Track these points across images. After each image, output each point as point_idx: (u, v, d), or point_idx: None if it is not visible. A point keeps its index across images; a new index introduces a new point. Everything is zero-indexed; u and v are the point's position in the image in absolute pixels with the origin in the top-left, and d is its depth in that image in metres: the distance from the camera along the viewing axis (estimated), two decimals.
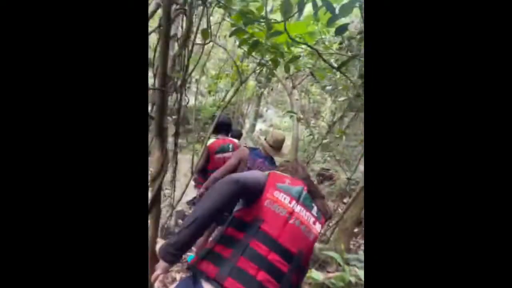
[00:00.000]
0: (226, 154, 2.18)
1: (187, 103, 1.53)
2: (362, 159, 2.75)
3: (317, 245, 2.30)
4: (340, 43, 2.89)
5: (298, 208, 0.96)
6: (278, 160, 1.85)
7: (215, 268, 0.83)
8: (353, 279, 1.25)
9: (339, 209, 2.83)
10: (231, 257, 0.85)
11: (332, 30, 1.89)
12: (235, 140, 2.38)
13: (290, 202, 0.96)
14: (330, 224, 2.34)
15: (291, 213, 0.94)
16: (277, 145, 1.87)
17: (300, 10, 1.77)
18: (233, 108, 10.54)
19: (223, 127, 2.30)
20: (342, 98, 2.59)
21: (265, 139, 1.96)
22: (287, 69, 1.85)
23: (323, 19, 2.01)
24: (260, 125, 11.05)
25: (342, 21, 1.76)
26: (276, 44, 1.74)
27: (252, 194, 0.94)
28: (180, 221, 2.86)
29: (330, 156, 3.75)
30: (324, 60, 1.72)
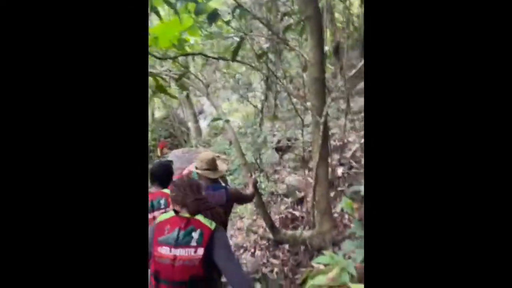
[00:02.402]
0: (156, 213, 1.71)
1: None
2: (308, 117, 2.68)
3: (305, 233, 2.25)
4: (228, 23, 2.64)
5: (178, 252, 1.19)
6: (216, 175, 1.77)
7: None
8: (352, 270, 1.15)
9: (309, 179, 2.80)
10: None
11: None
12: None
13: (170, 251, 1.19)
14: (309, 210, 2.28)
15: (174, 259, 1.19)
16: (211, 165, 1.74)
17: (157, 13, 1.46)
18: (168, 122, 9.88)
19: (159, 177, 1.82)
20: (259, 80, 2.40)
21: (196, 168, 1.78)
22: (183, 88, 1.58)
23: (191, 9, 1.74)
24: (204, 123, 10.64)
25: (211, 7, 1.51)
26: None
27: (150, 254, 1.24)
28: None
29: (280, 129, 3.68)
30: (213, 57, 1.49)
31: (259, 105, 4.76)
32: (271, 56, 2.27)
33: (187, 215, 1.24)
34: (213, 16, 1.31)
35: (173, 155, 6.95)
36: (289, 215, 2.76)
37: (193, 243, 1.19)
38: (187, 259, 1.17)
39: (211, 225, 1.23)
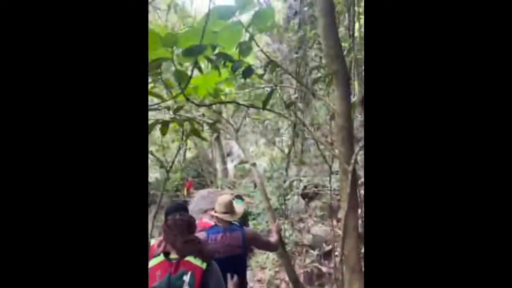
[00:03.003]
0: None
1: None
2: (335, 164, 2.64)
3: None
4: (261, 76, 2.89)
5: None
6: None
7: None
8: None
9: (338, 231, 2.61)
10: None
11: None
12: None
13: None
14: (337, 265, 2.09)
15: None
16: (229, 209, 1.81)
17: (199, 68, 1.67)
18: (197, 162, 10.26)
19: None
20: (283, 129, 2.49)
21: (215, 212, 1.85)
22: (216, 130, 1.69)
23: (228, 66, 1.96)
24: (231, 164, 10.87)
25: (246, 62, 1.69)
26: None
27: None
28: None
29: (306, 175, 3.62)
30: (245, 105, 1.61)
31: (286, 150, 4.83)
32: (299, 105, 2.39)
33: (176, 257, 1.23)
34: (248, 71, 1.46)
35: (199, 195, 7.05)
36: (315, 270, 2.52)
37: (186, 286, 1.17)
38: None
39: (202, 264, 1.22)
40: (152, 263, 1.27)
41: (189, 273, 1.19)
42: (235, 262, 1.73)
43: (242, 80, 2.58)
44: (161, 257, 1.27)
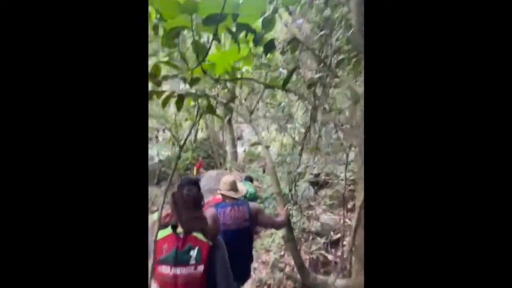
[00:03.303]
0: None
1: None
2: (352, 154, 2.55)
3: (339, 281, 2.00)
4: (282, 53, 2.77)
5: (178, 270, 1.18)
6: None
7: None
8: None
9: (348, 221, 2.56)
10: None
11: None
12: None
13: (170, 270, 1.19)
14: (344, 255, 2.05)
15: (175, 277, 1.19)
16: (233, 187, 1.98)
17: (218, 40, 1.59)
18: (208, 144, 10.32)
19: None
20: (301, 112, 2.39)
21: (220, 191, 2.01)
22: (230, 110, 1.63)
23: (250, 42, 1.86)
24: (241, 148, 10.89)
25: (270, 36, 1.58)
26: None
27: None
28: None
29: (318, 161, 3.54)
30: (264, 84, 1.53)
31: (297, 137, 4.73)
32: (319, 88, 2.29)
33: (182, 231, 1.23)
34: (270, 45, 1.37)
35: (208, 176, 7.15)
36: (321, 257, 2.51)
37: (192, 261, 1.19)
38: (188, 276, 1.18)
39: (209, 241, 1.23)
40: (160, 235, 1.26)
41: (196, 248, 1.20)
42: (243, 235, 1.85)
43: (261, 60, 2.47)
44: (169, 230, 1.26)
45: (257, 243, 3.41)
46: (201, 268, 1.18)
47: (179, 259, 1.18)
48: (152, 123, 9.46)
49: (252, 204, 1.98)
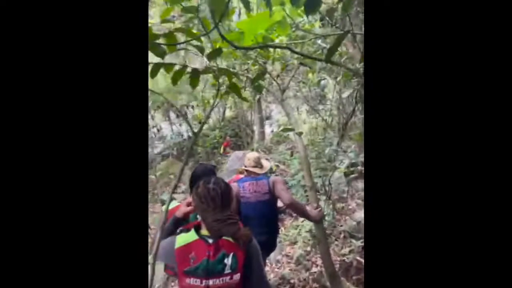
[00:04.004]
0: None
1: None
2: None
3: None
4: (321, 19, 2.31)
5: (211, 282, 1.00)
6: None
7: None
8: None
9: None
10: None
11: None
12: None
13: (202, 283, 1.00)
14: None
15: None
16: (257, 163, 2.04)
17: (247, 4, 1.24)
18: (236, 122, 10.16)
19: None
20: (346, 93, 1.98)
21: (245, 167, 2.07)
22: (259, 90, 1.33)
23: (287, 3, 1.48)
24: (269, 129, 10.58)
25: None
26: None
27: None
28: None
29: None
30: (302, 54, 1.19)
31: (329, 120, 4.26)
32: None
33: (207, 233, 1.03)
34: (314, 2, 0.98)
35: (234, 156, 7.05)
36: (355, 263, 2.20)
37: (228, 270, 1.01)
38: (224, 286, 1.01)
39: (242, 246, 1.04)
40: (180, 242, 1.03)
41: (231, 256, 1.01)
42: (264, 208, 1.89)
43: (299, 27, 2.07)
44: (193, 235, 1.03)
45: (281, 234, 3.21)
46: (237, 277, 1.00)
47: (211, 270, 0.99)
48: (182, 99, 9.49)
49: (272, 177, 2.00)
